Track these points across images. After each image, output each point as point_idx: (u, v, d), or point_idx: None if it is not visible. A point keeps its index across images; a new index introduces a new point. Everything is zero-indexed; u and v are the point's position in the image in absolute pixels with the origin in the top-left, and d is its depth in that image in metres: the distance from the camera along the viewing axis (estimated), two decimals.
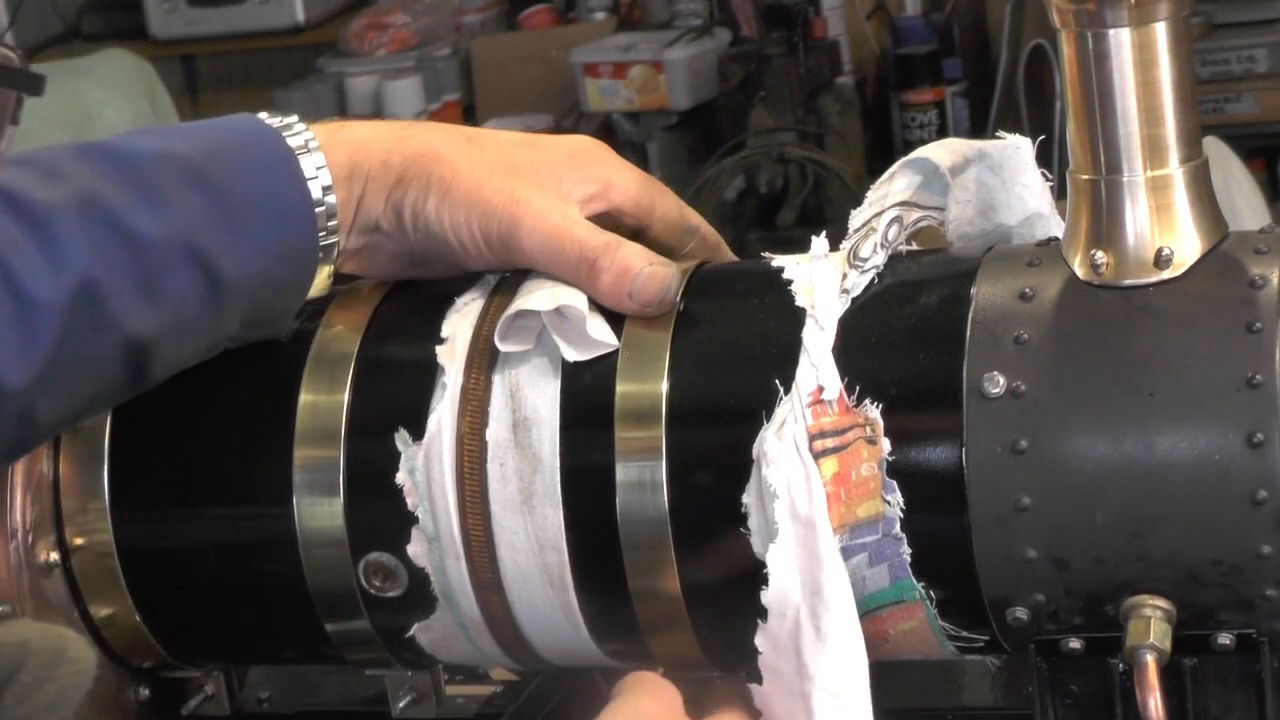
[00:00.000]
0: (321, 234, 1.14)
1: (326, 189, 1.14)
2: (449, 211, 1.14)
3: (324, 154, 1.14)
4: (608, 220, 1.16)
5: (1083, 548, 1.02)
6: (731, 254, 1.23)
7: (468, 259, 1.16)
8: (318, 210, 1.13)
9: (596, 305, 1.12)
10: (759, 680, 1.08)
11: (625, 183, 1.17)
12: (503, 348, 1.11)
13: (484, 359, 1.12)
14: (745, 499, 1.07)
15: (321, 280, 1.16)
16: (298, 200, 1.13)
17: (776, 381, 1.07)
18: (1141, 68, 1.03)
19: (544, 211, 1.13)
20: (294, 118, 1.15)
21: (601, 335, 1.10)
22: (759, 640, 1.07)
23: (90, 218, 1.07)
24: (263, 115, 1.16)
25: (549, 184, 1.15)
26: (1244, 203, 3.25)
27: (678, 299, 1.12)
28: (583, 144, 1.19)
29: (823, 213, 4.30)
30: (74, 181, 1.08)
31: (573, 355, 1.10)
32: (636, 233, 1.18)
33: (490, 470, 1.11)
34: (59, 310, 1.05)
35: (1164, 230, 1.05)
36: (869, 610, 1.07)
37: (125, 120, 4.39)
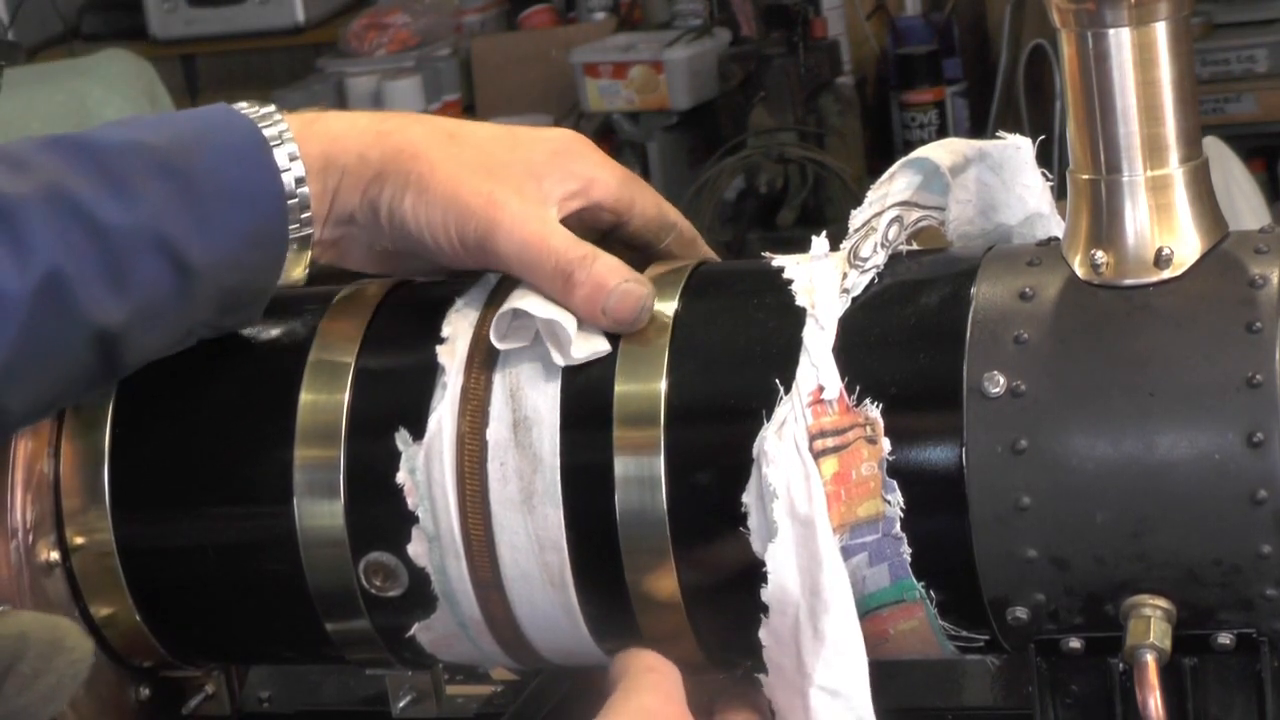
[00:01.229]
0: (295, 225, 1.13)
1: (300, 180, 1.13)
2: (425, 211, 1.13)
3: (298, 145, 1.13)
4: (587, 215, 1.17)
5: (1083, 547, 1.02)
6: (708, 249, 1.22)
7: (442, 258, 1.15)
8: (291, 202, 1.12)
9: None
10: (764, 671, 1.08)
11: (606, 179, 1.17)
12: (500, 346, 1.11)
13: (484, 359, 1.12)
14: (745, 498, 1.07)
15: (298, 269, 1.15)
16: (265, 183, 1.12)
17: (776, 381, 1.07)
18: (1141, 67, 1.03)
19: (522, 218, 1.12)
20: (271, 107, 1.15)
21: (588, 353, 1.10)
22: (762, 634, 1.07)
23: (56, 209, 1.07)
24: (240, 105, 1.15)
25: (528, 184, 1.14)
26: (1244, 203, 3.25)
27: (653, 313, 1.11)
28: (564, 140, 1.18)
29: (823, 213, 4.30)
30: (40, 173, 1.08)
31: (564, 362, 1.10)
32: (615, 227, 1.18)
33: (490, 470, 1.11)
34: (25, 302, 1.05)
35: (1164, 230, 1.05)
36: (869, 610, 1.07)
37: None
